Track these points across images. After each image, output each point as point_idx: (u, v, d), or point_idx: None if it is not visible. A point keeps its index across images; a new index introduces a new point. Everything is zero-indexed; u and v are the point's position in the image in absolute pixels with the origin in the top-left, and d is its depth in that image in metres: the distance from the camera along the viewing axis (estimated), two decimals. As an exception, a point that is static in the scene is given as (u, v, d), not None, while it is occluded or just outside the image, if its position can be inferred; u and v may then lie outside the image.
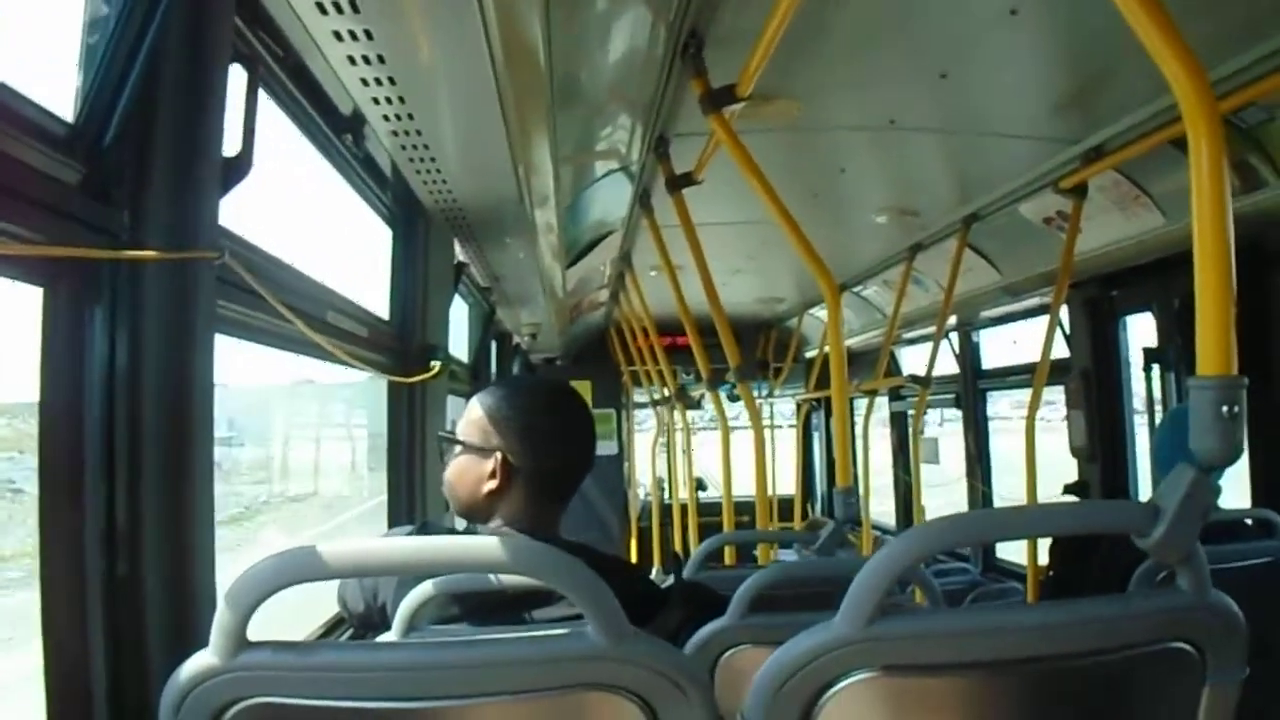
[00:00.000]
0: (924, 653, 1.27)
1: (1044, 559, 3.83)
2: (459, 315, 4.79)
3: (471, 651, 1.25)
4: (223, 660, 1.20)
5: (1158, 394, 4.24)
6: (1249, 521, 2.91)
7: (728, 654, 1.94)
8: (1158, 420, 4.23)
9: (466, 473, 1.81)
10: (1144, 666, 1.30)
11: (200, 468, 1.53)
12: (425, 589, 1.65)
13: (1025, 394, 4.47)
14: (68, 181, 1.33)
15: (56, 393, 1.36)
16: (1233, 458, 1.21)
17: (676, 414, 6.85)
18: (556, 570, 1.24)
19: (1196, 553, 1.27)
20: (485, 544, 1.24)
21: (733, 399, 6.24)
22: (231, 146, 1.61)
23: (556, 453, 1.81)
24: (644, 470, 9.03)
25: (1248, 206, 3.08)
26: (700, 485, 7.53)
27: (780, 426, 9.04)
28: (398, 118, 2.17)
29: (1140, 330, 4.54)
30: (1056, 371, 4.37)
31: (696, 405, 7.71)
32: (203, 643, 1.22)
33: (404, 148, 2.37)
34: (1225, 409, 1.21)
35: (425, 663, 1.23)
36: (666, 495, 8.63)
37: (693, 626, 1.92)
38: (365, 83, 1.96)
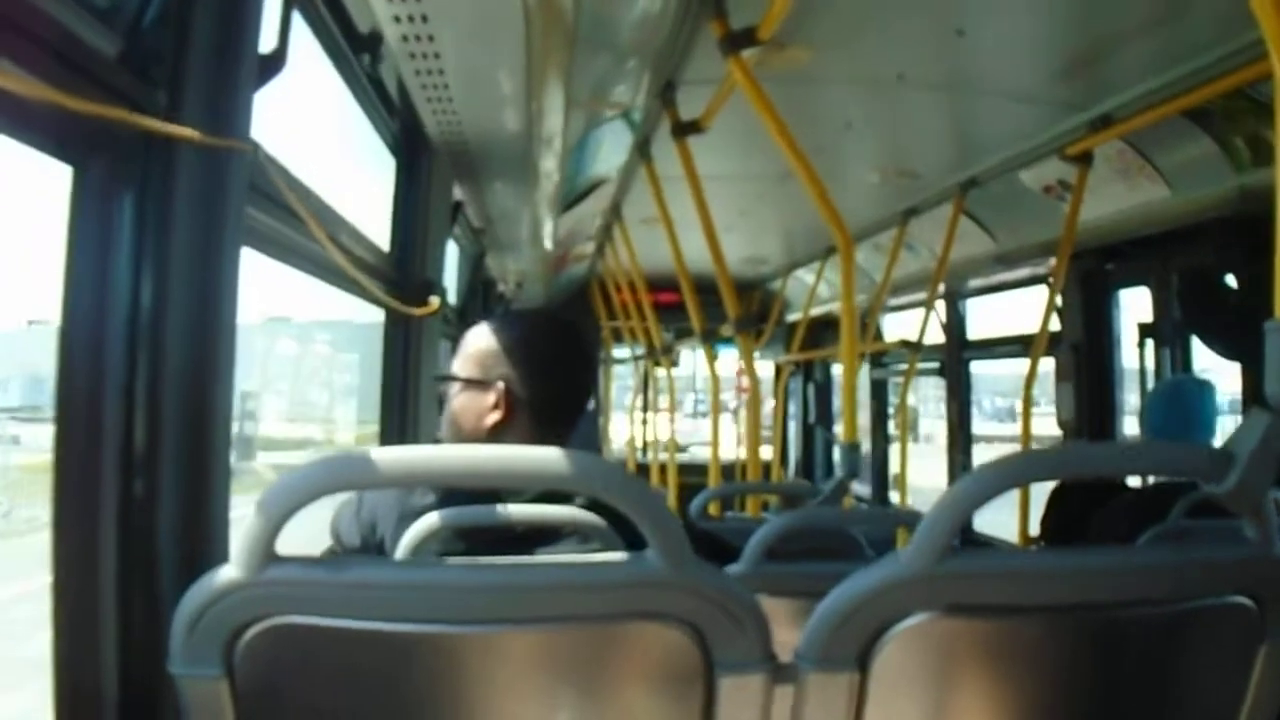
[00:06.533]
0: (991, 593, 1.25)
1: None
2: (449, 259, 4.73)
3: (517, 575, 1.20)
4: (247, 574, 1.14)
5: (1150, 370, 4.24)
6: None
7: None
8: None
9: (467, 409, 1.77)
10: (1204, 619, 1.28)
11: (222, 381, 1.47)
12: (431, 520, 1.60)
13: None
14: (106, 53, 1.26)
15: (81, 289, 1.29)
16: None
17: (660, 371, 6.82)
18: (626, 488, 1.19)
19: (1267, 502, 1.25)
20: (551, 456, 1.17)
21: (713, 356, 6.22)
22: (267, 44, 1.56)
23: (558, 379, 1.79)
24: (621, 428, 9.01)
25: (1262, 180, 3.06)
26: (680, 447, 7.52)
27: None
28: (417, 38, 2.12)
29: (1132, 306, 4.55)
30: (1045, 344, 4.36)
31: (677, 362, 7.69)
32: (215, 566, 1.16)
33: (418, 72, 2.32)
34: None
35: (467, 584, 1.18)
36: (642, 455, 8.61)
37: None
38: None
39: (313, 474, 1.13)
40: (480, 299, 5.55)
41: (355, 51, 2.49)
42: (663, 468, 7.02)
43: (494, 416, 1.73)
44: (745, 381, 7.07)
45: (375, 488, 1.60)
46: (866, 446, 7.56)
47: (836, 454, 2.82)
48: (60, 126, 1.19)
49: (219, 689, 1.16)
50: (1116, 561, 1.29)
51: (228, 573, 1.15)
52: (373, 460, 1.13)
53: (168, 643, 1.16)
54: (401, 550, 1.61)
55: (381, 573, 1.21)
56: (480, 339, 1.79)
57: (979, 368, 6.16)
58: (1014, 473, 1.31)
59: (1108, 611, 1.26)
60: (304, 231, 1.84)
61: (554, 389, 1.78)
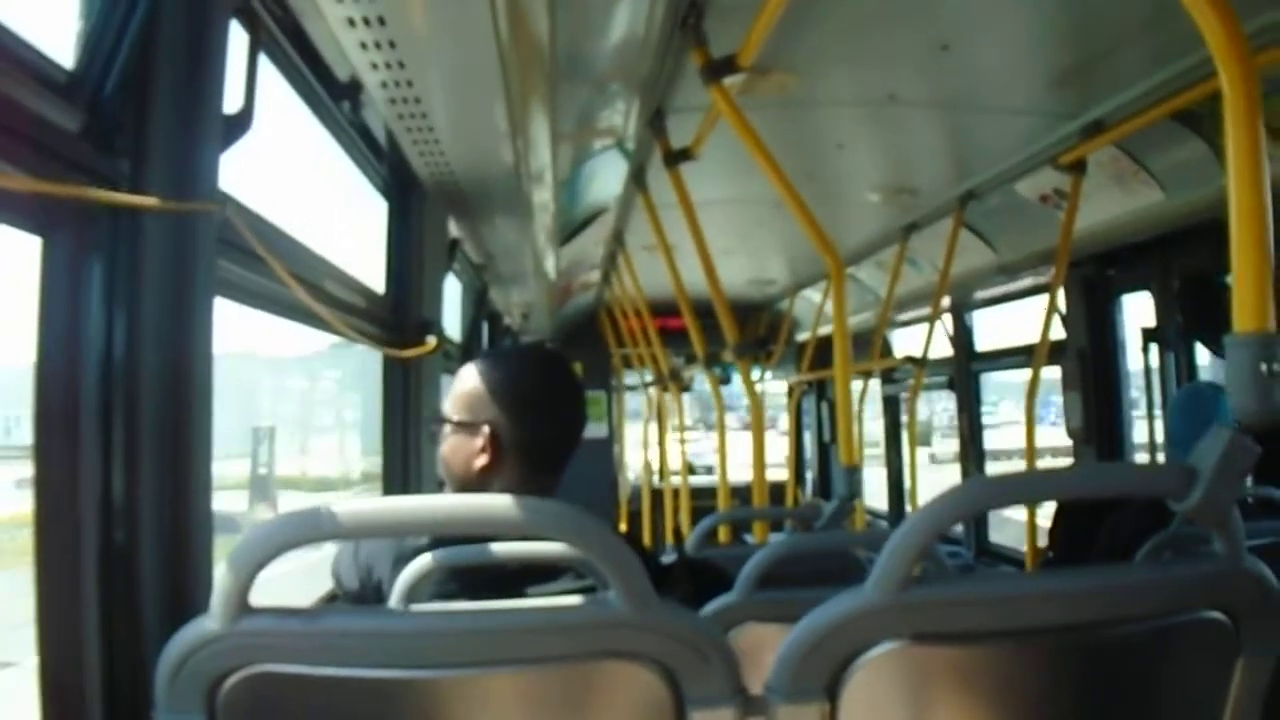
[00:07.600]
0: (958, 620, 1.24)
1: (1042, 541, 3.81)
2: (451, 294, 4.75)
3: (487, 619, 1.22)
4: (223, 625, 1.16)
5: (1156, 374, 4.21)
6: (1250, 500, 2.88)
7: (735, 630, 1.91)
8: (1155, 400, 4.20)
9: (457, 450, 1.77)
10: (1178, 636, 1.27)
11: (199, 431, 1.49)
12: (425, 561, 1.61)
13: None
14: (68, 128, 1.29)
15: (54, 351, 1.32)
16: (1272, 417, 1.17)
17: (669, 396, 6.82)
18: (583, 532, 1.21)
19: (1233, 517, 1.25)
20: (508, 503, 1.20)
21: (724, 382, 6.21)
22: (232, 104, 1.57)
23: (546, 423, 1.77)
24: (634, 453, 9.01)
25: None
26: (691, 469, 7.50)
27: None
28: (396, 84, 2.12)
29: (1134, 311, 4.52)
30: (1051, 352, 4.34)
31: (688, 387, 7.68)
32: (200, 613, 1.19)
33: (401, 116, 2.33)
34: (1264, 366, 1.17)
35: (439, 629, 1.20)
36: (657, 479, 8.62)
37: (698, 602, 1.89)
38: (364, 46, 1.91)
39: (278, 529, 1.16)
40: (485, 333, 5.57)
41: (335, 100, 2.51)
42: (676, 492, 7.01)
43: (482, 460, 1.72)
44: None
45: (339, 540, 1.62)
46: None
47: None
48: (24, 200, 1.21)
49: None
50: (1087, 583, 1.28)
51: (205, 624, 1.17)
52: (335, 514, 1.16)
53: (152, 691, 1.19)
54: (396, 592, 1.62)
55: (354, 621, 1.23)
56: (468, 380, 1.77)
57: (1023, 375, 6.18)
58: (974, 500, 1.32)
59: (1082, 633, 1.25)
60: (283, 281, 1.85)
61: (542, 430, 1.76)
